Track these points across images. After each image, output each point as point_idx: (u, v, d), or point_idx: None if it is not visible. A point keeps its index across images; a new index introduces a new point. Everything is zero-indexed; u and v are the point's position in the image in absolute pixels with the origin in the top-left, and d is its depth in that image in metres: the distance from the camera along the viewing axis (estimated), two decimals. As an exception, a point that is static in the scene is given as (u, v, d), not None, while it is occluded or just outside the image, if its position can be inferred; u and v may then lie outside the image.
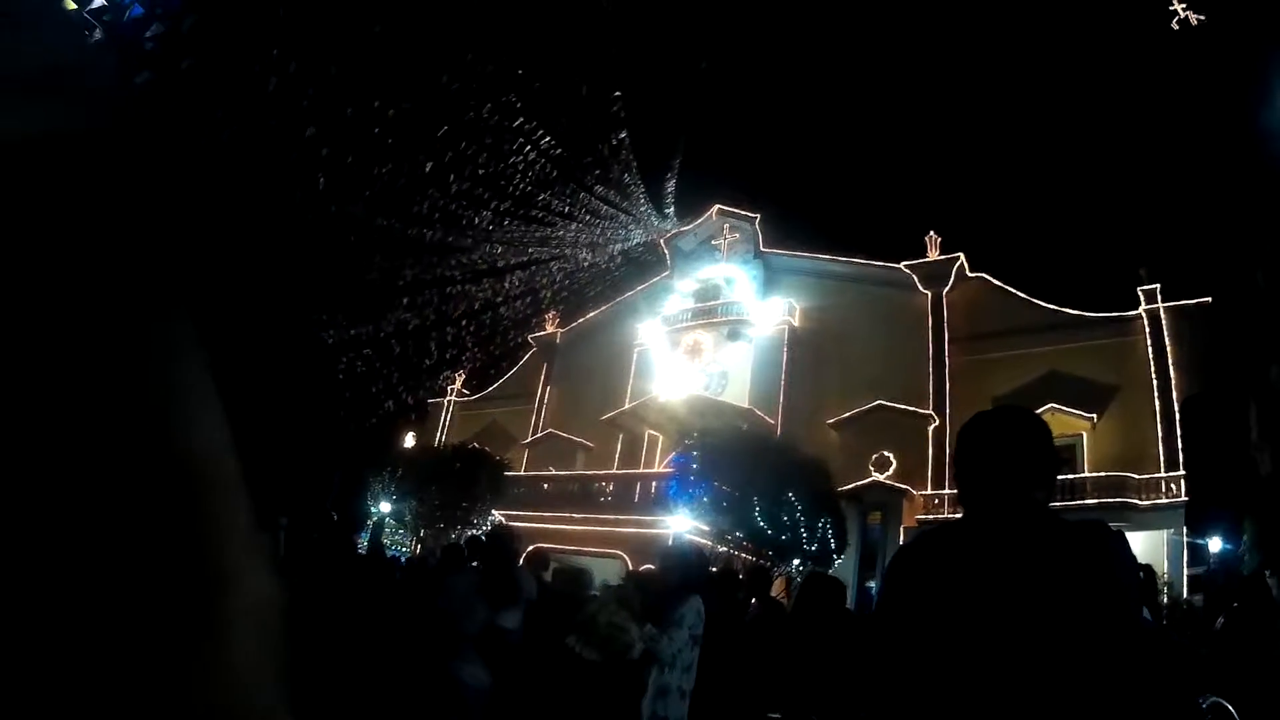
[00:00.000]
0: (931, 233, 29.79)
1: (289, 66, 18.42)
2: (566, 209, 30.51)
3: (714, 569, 8.69)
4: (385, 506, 26.85)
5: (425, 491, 25.09)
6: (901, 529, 24.59)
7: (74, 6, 13.08)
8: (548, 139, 26.45)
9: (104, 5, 13.81)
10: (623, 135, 28.82)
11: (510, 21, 23.26)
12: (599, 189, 30.86)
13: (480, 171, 25.96)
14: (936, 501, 24.80)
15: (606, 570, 17.18)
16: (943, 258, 29.31)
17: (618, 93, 26.90)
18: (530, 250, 32.22)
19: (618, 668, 4.84)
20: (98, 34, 13.42)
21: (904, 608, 1.81)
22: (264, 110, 18.59)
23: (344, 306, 28.20)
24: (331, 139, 21.14)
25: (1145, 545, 19.80)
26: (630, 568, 20.01)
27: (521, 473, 29.79)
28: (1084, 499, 21.86)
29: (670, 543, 18.25)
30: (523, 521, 23.80)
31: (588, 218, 31.85)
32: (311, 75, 19.12)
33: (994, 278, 28.69)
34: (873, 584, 23.43)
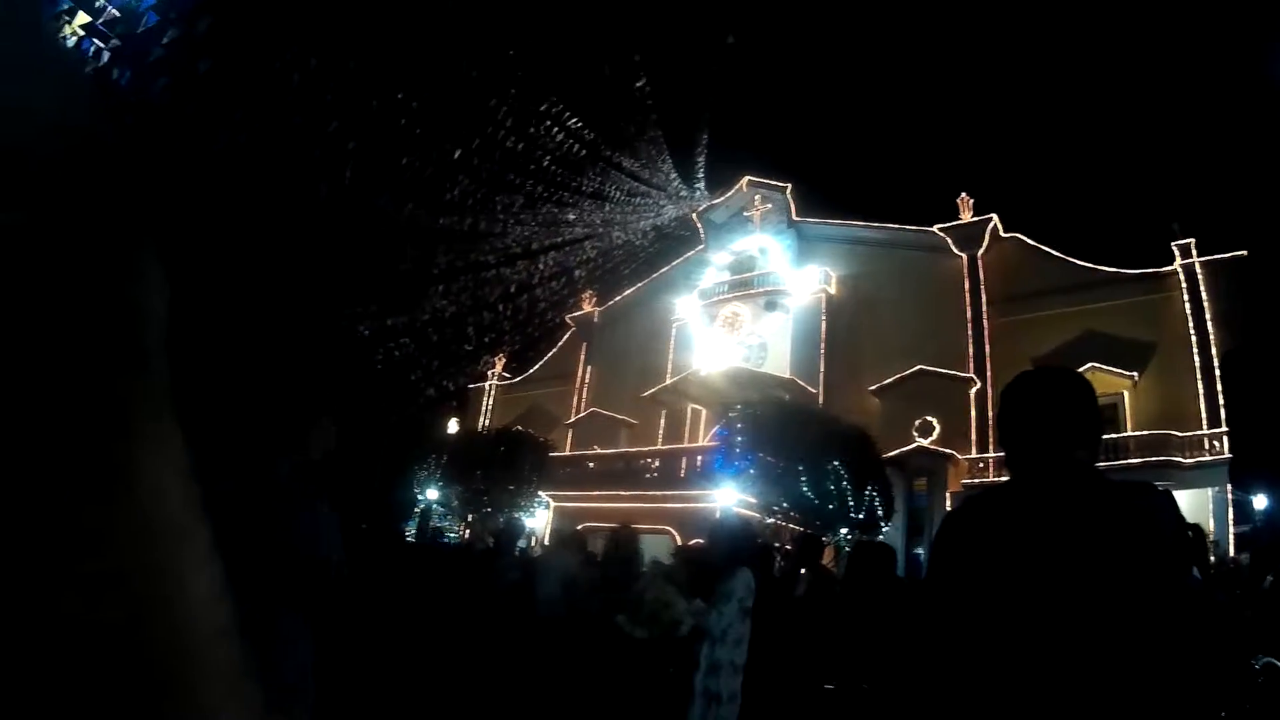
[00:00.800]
0: (964, 194, 29.73)
1: (309, 63, 18.58)
2: (597, 188, 30.77)
3: (761, 541, 8.70)
4: (432, 494, 27.51)
5: (470, 477, 25.68)
6: (947, 494, 24.67)
7: (83, 26, 13.38)
8: (574, 119, 26.64)
9: (116, 17, 13.78)
10: (649, 111, 29.11)
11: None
12: (628, 166, 31.11)
13: (508, 155, 26.17)
14: (981, 465, 24.90)
15: (655, 547, 17.80)
16: (975, 219, 29.26)
17: (641, 70, 27.10)
18: (563, 231, 32.52)
19: (668, 644, 4.87)
20: (113, 44, 13.77)
21: (953, 573, 1.82)
22: (286, 108, 18.84)
23: (379, 297, 28.72)
24: (357, 132, 21.35)
25: (1190, 503, 19.81)
26: (679, 543, 20.63)
27: (566, 453, 30.29)
28: (1127, 458, 21.96)
29: (717, 516, 18.65)
30: (569, 501, 24.84)
31: (619, 195, 32.12)
32: (332, 70, 19.31)
33: (1028, 237, 28.58)
34: (920, 550, 23.72)
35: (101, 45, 13.71)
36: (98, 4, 13.38)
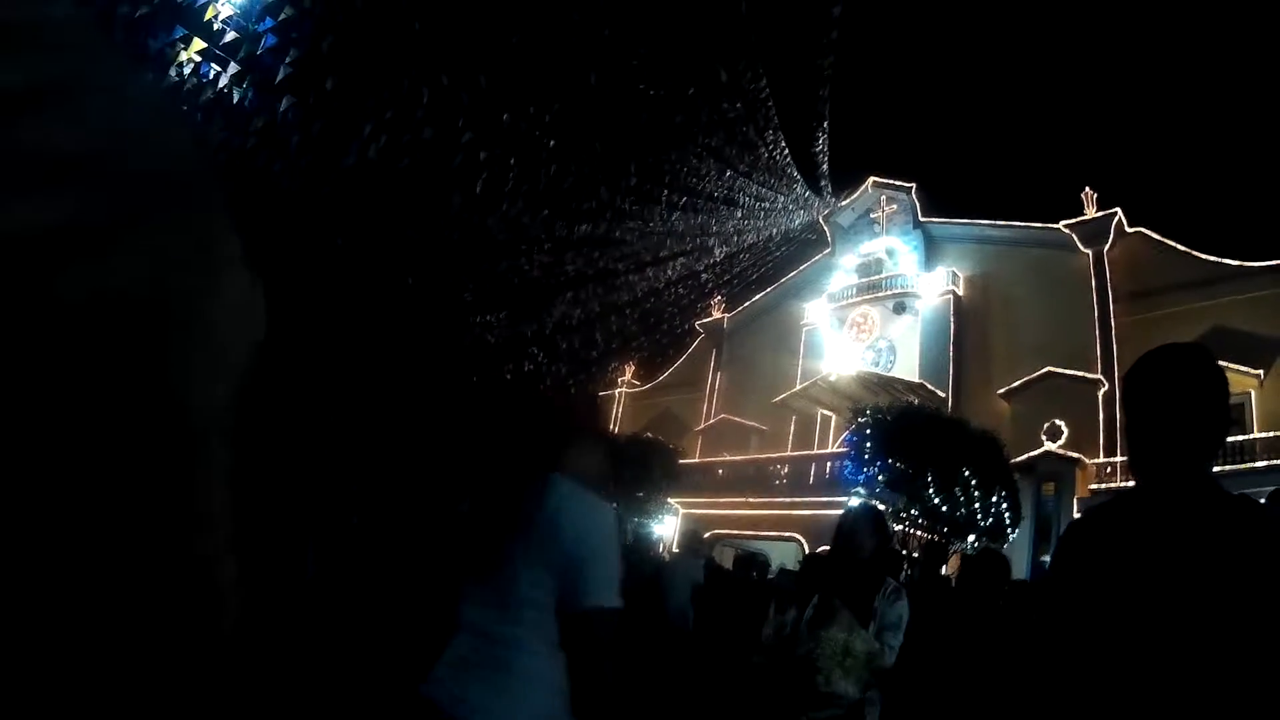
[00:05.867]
0: (1087, 189, 29.88)
1: (440, 78, 19.21)
2: (724, 194, 31.76)
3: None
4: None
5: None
6: (1075, 500, 24.46)
7: (199, 52, 13.90)
8: (699, 126, 27.74)
9: (237, 39, 14.30)
10: (770, 112, 29.77)
11: (649, 12, 24.05)
12: (753, 171, 32.12)
13: (640, 164, 27.10)
14: (1109, 470, 24.62)
15: (783, 554, 18.40)
16: (1100, 214, 29.34)
17: (759, 72, 27.41)
18: (692, 238, 33.65)
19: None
20: (233, 67, 14.30)
21: (1072, 586, 1.80)
22: (416, 121, 19.24)
23: (507, 306, 29.24)
24: (488, 143, 21.79)
25: (1320, 516, 19.67)
26: (806, 550, 20.71)
27: (696, 459, 31.26)
28: (1253, 461, 21.64)
29: (853, 504, 19.61)
30: (699, 508, 25.62)
31: (745, 201, 33.18)
32: (463, 83, 19.90)
33: (1153, 232, 28.54)
34: (1047, 559, 21.89)
35: (220, 69, 14.32)
36: (215, 29, 13.99)
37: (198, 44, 13.80)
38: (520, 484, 2.40)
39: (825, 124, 32.58)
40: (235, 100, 14.55)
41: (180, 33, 13.54)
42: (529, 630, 2.19)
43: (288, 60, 14.59)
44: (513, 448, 2.74)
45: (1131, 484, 1.87)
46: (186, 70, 13.94)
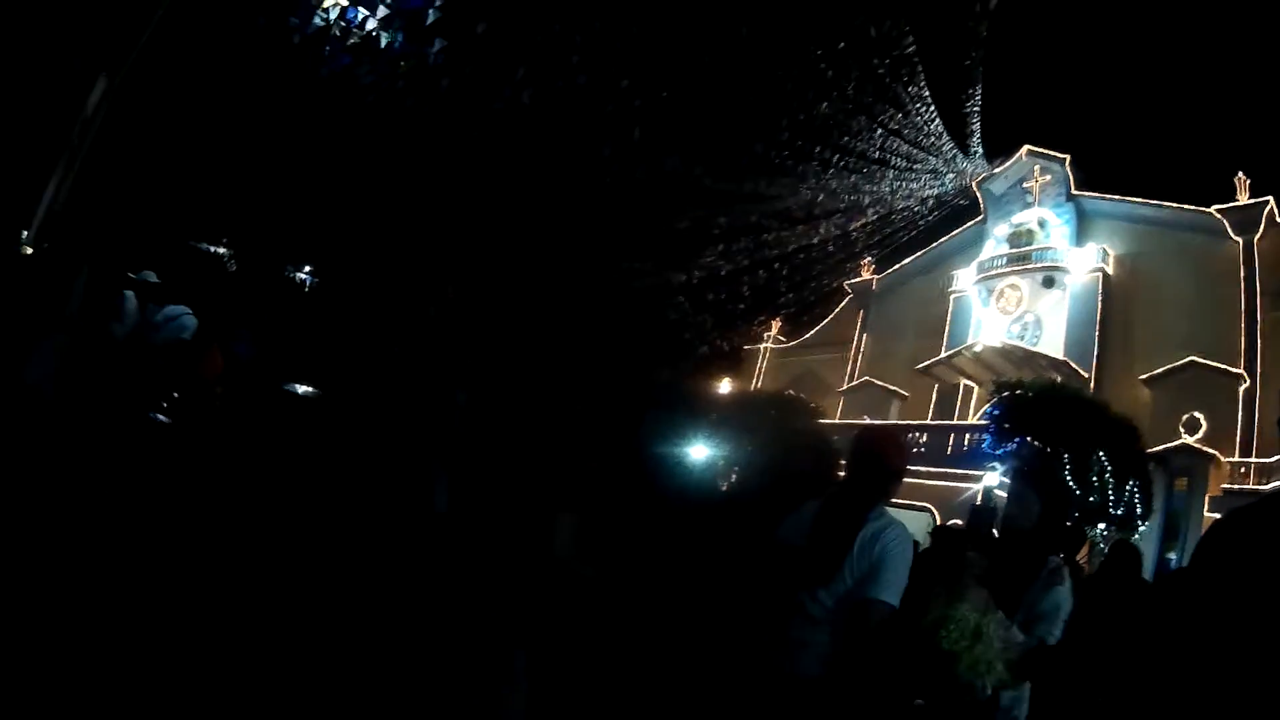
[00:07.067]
0: (1240, 174, 29.09)
1: (593, 24, 19.24)
2: (878, 154, 32.10)
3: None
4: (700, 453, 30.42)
5: (740, 438, 28.30)
6: (1206, 498, 24.09)
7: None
8: (851, 84, 27.94)
9: None
10: (924, 74, 29.79)
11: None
12: (907, 133, 32.25)
13: (795, 122, 27.73)
14: (1243, 470, 24.39)
15: (913, 525, 20.28)
16: (1253, 201, 28.59)
17: (911, 33, 27.36)
18: (844, 197, 33.94)
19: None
20: (381, 11, 14.43)
21: (1215, 588, 1.74)
22: (569, 67, 19.36)
23: (657, 254, 30.88)
24: (643, 92, 22.11)
25: None
26: (938, 521, 22.15)
27: (836, 420, 32.08)
28: None
29: (981, 499, 20.33)
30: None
31: (899, 163, 33.41)
32: (618, 33, 19.86)
33: None
34: (1173, 556, 23.24)
35: (368, 12, 14.46)
36: None
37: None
38: (857, 514, 3.20)
39: (979, 87, 32.41)
40: (384, 44, 14.80)
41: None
42: (846, 618, 3.03)
43: (437, 3, 14.78)
44: (855, 487, 3.37)
45: (1267, 488, 2.31)
46: (333, 15, 14.28)
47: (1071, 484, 19.83)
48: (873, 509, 3.25)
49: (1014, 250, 35.24)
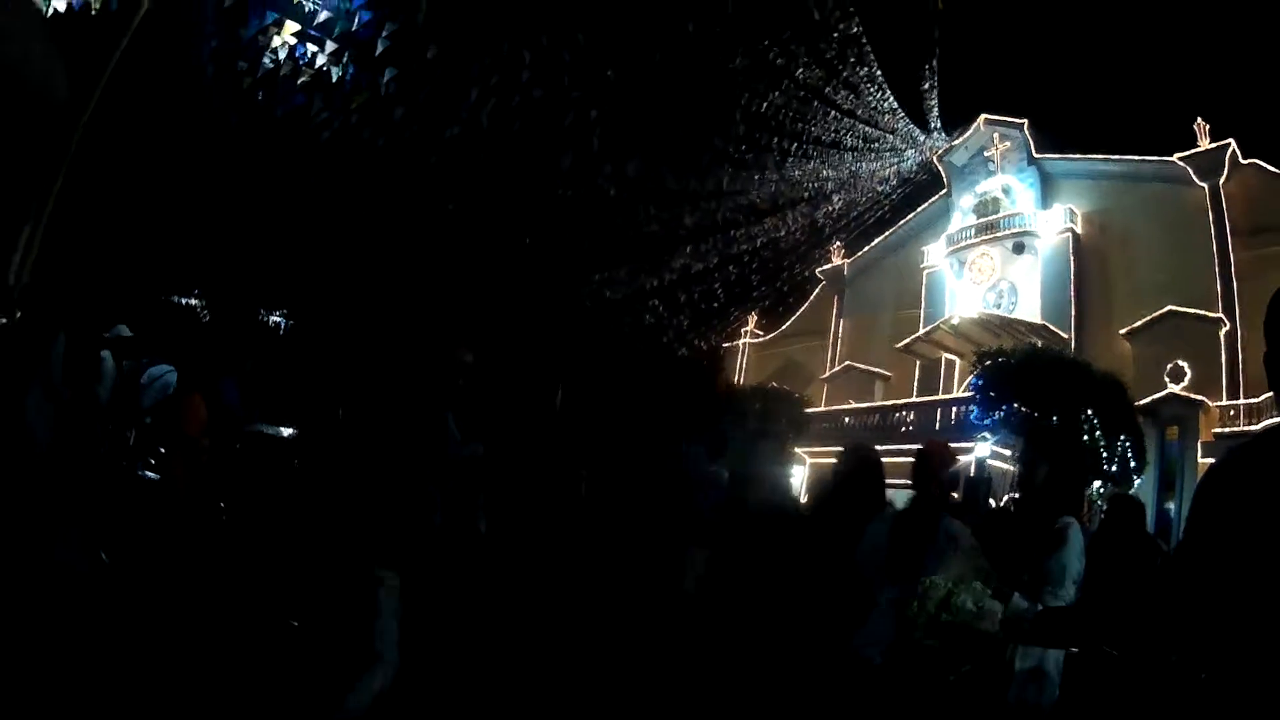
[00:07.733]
0: (1199, 120, 29.28)
1: (540, 39, 19.08)
2: (834, 138, 31.67)
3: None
4: (685, 452, 30.44)
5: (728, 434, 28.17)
6: (1199, 444, 24.21)
7: (293, 34, 13.98)
8: (805, 68, 27.57)
9: (331, 17, 14.20)
10: (876, 51, 29.39)
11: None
12: (862, 113, 31.84)
13: (747, 111, 27.14)
14: (1233, 413, 24.58)
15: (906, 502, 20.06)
16: (1214, 145, 28.76)
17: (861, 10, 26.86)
18: (806, 184, 33.61)
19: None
20: (330, 46, 14.25)
21: (1218, 532, 1.69)
22: (522, 84, 19.30)
23: (625, 262, 30.70)
24: (596, 102, 21.96)
25: None
26: None
27: (821, 407, 32.45)
28: None
29: (974, 470, 20.37)
30: (825, 457, 25.54)
31: (857, 144, 33.08)
32: (564, 43, 19.58)
33: (1266, 163, 27.87)
34: (1172, 505, 23.52)
35: (317, 49, 14.25)
36: (307, 9, 13.92)
37: (291, 26, 14.03)
38: (931, 518, 3.97)
39: (932, 61, 32.31)
40: (335, 79, 14.78)
41: (272, 18, 13.80)
42: None
43: (385, 34, 14.71)
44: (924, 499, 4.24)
45: (1257, 428, 2.29)
46: (283, 55, 14.21)
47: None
48: (943, 517, 4.00)
49: (981, 220, 35.36)
